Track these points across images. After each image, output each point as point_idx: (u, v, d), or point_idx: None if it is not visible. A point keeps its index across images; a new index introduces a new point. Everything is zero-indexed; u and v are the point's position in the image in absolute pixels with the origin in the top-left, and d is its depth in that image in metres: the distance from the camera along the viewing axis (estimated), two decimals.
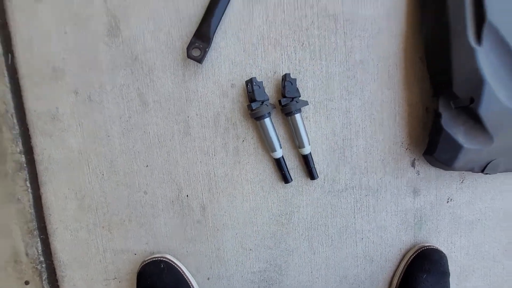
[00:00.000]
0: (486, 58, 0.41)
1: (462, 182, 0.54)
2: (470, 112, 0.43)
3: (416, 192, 0.53)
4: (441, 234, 0.55)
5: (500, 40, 0.41)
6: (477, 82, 0.41)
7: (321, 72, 0.49)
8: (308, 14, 0.48)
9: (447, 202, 0.54)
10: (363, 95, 0.50)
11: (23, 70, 0.45)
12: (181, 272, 0.49)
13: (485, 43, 0.41)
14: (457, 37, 0.42)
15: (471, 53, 0.41)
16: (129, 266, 0.50)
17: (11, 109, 0.46)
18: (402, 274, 0.52)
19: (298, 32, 0.48)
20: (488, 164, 0.47)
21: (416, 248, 0.52)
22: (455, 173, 0.53)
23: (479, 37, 0.41)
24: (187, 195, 0.50)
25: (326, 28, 0.48)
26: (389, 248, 0.54)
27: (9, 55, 0.45)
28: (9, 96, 0.46)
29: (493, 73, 0.41)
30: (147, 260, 0.48)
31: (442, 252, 0.52)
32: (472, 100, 0.42)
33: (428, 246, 0.52)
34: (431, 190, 0.53)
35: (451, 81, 0.43)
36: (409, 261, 0.52)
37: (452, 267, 0.55)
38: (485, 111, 0.42)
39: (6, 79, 0.45)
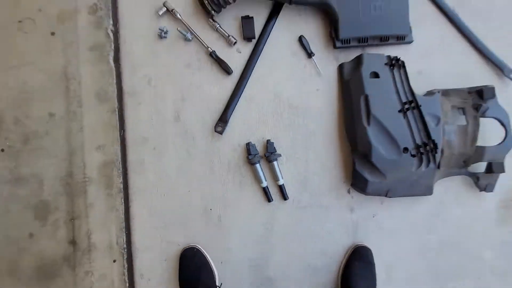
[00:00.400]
0: (372, 132, 0.77)
1: (382, 204, 0.85)
2: (369, 161, 0.77)
3: (352, 209, 0.85)
4: (371, 238, 0.84)
5: (379, 123, 0.77)
6: (368, 145, 0.76)
7: (289, 138, 0.86)
8: (281, 106, 0.87)
9: (373, 216, 0.85)
10: (316, 150, 0.86)
11: (129, 137, 0.85)
12: (205, 256, 0.81)
13: (372, 124, 0.77)
14: (358, 121, 0.79)
15: (365, 130, 0.77)
16: (174, 252, 0.83)
17: (119, 159, 0.85)
18: (344, 263, 0.82)
19: (275, 115, 0.86)
20: (388, 191, 0.80)
21: (353, 246, 0.82)
22: (376, 198, 0.85)
23: (368, 121, 0.78)
24: (210, 209, 0.84)
25: (292, 113, 0.87)
26: (337, 246, 0.84)
27: (122, 131, 0.86)
28: (118, 152, 0.85)
29: (377, 140, 0.76)
30: (186, 247, 0.81)
31: (369, 249, 0.81)
32: (367, 155, 0.77)
33: (360, 244, 0.82)
34: (362, 209, 0.85)
35: (356, 144, 0.79)
36: (348, 254, 0.82)
37: (381, 262, 0.83)
38: (375, 160, 0.76)
39: (119, 143, 0.85)
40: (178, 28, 0.85)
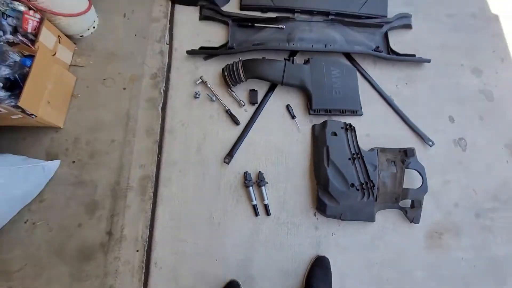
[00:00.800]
0: (330, 171, 1.13)
1: (339, 226, 1.16)
2: (327, 191, 1.12)
3: (316, 228, 1.16)
4: (331, 251, 1.13)
5: (335, 165, 1.14)
6: (327, 180, 1.12)
7: (275, 171, 1.22)
8: (271, 149, 1.25)
9: (332, 235, 1.15)
10: (292, 181, 1.21)
11: (163, 161, 1.22)
12: None
13: (330, 166, 1.14)
14: (321, 163, 1.16)
15: (325, 169, 1.14)
16: (183, 248, 1.11)
17: (154, 175, 1.20)
18: (309, 268, 1.09)
19: (266, 155, 1.24)
20: (341, 214, 1.12)
21: (315, 255, 1.11)
22: (334, 220, 1.16)
23: (328, 164, 1.15)
24: (213, 217, 1.15)
25: (278, 154, 1.24)
26: (304, 255, 1.12)
27: (159, 156, 1.23)
28: (154, 170, 1.21)
29: (333, 177, 1.12)
30: (232, 279, 1.06)
31: (326, 258, 1.09)
32: (326, 186, 1.11)
33: (320, 254, 1.10)
34: (324, 228, 1.16)
35: (320, 179, 1.14)
36: (312, 262, 1.09)
37: (337, 270, 1.10)
38: (331, 190, 1.10)
39: (155, 164, 1.22)
40: (207, 93, 1.30)
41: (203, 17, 1.43)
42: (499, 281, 1.12)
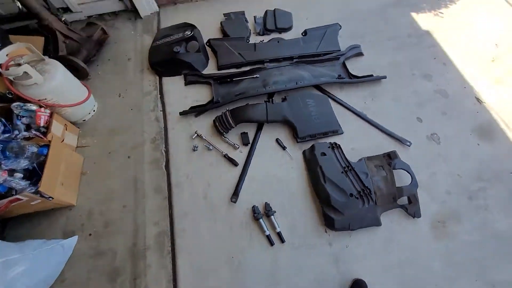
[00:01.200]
0: (328, 186, 1.24)
1: (350, 237, 1.22)
2: (330, 205, 1.21)
3: (330, 244, 1.21)
4: (349, 263, 1.17)
5: (331, 180, 1.25)
6: (328, 194, 1.22)
7: (279, 199, 1.31)
8: (271, 180, 1.36)
9: (347, 247, 1.20)
10: (297, 205, 1.29)
11: (175, 214, 1.30)
12: None
13: (327, 182, 1.25)
14: (319, 181, 1.27)
15: (323, 186, 1.25)
16: (203, 278, 1.13)
17: (168, 229, 1.26)
18: None
19: (268, 186, 1.34)
20: (349, 224, 1.19)
21: (352, 279, 1.13)
22: (345, 233, 1.23)
23: (324, 181, 1.26)
24: (232, 257, 1.20)
25: (278, 183, 1.35)
26: (325, 274, 1.15)
27: (170, 210, 1.31)
28: (168, 224, 1.27)
29: (332, 190, 1.23)
30: None
31: (363, 281, 1.11)
32: (328, 201, 1.21)
33: (357, 278, 1.13)
34: (337, 242, 1.21)
35: (321, 196, 1.24)
36: (349, 287, 1.12)
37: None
38: (334, 203, 1.20)
39: (168, 218, 1.29)
40: (204, 144, 1.45)
41: (188, 83, 1.65)
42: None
